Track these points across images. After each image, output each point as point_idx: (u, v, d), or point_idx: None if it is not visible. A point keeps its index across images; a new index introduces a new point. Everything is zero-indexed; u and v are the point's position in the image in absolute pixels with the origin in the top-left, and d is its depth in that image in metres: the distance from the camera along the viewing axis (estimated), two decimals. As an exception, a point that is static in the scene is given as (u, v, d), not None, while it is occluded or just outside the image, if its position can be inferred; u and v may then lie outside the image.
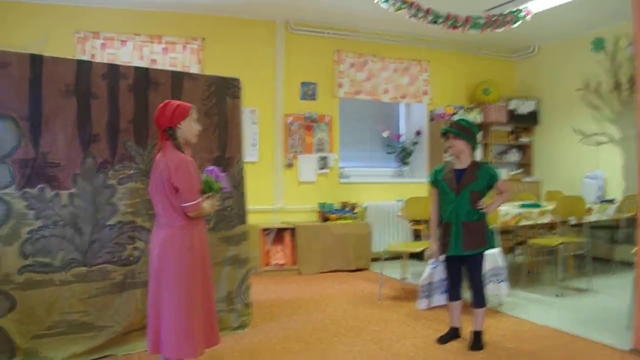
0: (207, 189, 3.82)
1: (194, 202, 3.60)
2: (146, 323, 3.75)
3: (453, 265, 4.80)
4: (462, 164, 4.67)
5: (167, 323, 3.58)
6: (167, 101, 3.78)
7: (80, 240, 4.34)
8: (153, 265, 3.66)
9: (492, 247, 4.77)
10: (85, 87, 4.42)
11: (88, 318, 4.37)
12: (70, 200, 4.32)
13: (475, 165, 4.66)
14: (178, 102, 3.79)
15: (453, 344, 4.81)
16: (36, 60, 4.24)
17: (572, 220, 7.17)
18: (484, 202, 4.61)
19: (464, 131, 4.63)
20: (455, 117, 9.11)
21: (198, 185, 3.70)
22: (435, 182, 4.81)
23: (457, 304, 4.86)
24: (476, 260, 4.67)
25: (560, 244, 6.66)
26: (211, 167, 3.94)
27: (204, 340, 3.75)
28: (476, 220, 4.60)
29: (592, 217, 7.31)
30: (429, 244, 5.06)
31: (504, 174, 9.70)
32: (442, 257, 4.88)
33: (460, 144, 4.63)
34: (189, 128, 3.75)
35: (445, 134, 4.74)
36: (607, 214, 7.51)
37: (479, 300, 4.68)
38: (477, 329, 4.71)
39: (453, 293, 4.85)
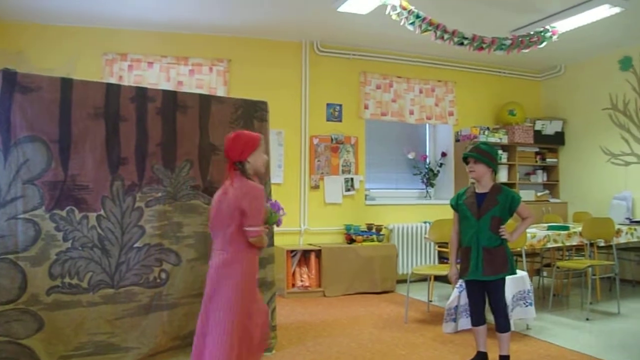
0: (266, 219, 3.86)
1: (258, 228, 3.63)
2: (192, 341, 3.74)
3: (474, 289, 4.71)
4: (484, 187, 4.62)
5: (211, 346, 3.57)
6: (236, 133, 3.81)
7: (107, 262, 4.37)
8: (207, 290, 3.69)
9: (514, 273, 4.65)
10: (114, 110, 4.47)
11: (115, 339, 4.38)
12: (98, 222, 4.35)
13: (496, 189, 4.60)
14: (248, 134, 3.82)
15: (480, 369, 4.75)
16: (66, 84, 4.30)
17: (601, 242, 7.11)
18: (506, 229, 4.57)
19: (484, 155, 4.58)
20: (478, 140, 9.07)
21: (264, 213, 3.73)
22: (456, 206, 4.77)
23: (481, 329, 4.76)
24: (497, 285, 4.58)
25: (588, 266, 6.58)
26: (273, 200, 3.99)
27: None
28: (497, 246, 4.52)
29: (621, 239, 7.25)
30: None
31: (530, 195, 9.62)
32: (461, 281, 4.83)
33: (481, 168, 4.59)
34: (260, 161, 3.80)
35: (465, 159, 4.72)
36: (637, 235, 7.42)
37: (503, 324, 4.59)
38: (503, 353, 4.62)
39: (476, 318, 4.74)
